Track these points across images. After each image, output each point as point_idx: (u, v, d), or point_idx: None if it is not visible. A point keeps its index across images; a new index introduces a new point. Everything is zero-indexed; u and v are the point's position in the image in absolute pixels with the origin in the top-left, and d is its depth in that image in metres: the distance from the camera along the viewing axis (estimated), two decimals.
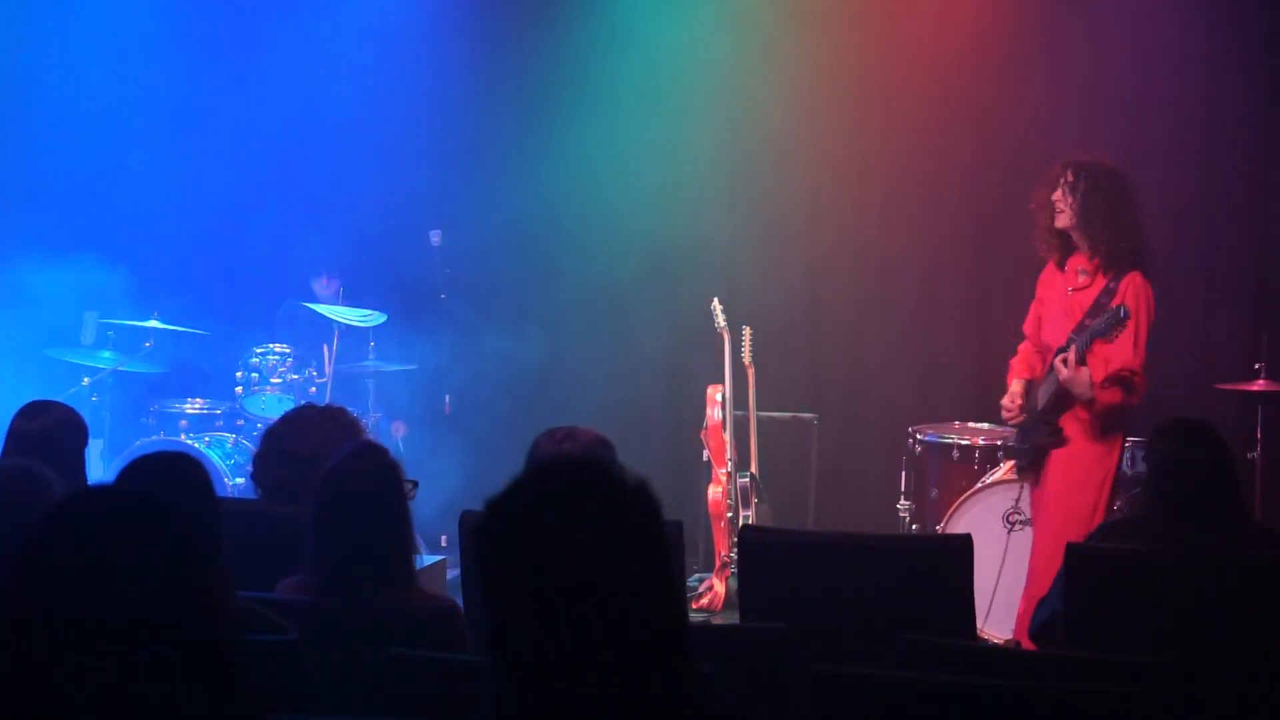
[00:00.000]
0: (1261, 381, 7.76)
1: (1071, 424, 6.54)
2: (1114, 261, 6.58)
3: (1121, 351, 6.43)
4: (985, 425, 8.31)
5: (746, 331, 8.62)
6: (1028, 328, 7.00)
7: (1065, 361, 6.41)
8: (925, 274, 9.32)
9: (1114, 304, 6.44)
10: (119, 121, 9.71)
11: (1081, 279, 6.68)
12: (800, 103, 9.42)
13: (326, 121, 9.71)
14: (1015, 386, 6.88)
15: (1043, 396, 6.69)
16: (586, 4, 9.64)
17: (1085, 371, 6.41)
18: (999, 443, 7.95)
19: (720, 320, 8.59)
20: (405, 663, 3.59)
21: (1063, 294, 6.74)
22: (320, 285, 9.18)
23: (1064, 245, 6.76)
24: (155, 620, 2.15)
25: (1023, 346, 7.03)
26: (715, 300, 8.66)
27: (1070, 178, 6.64)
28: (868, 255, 9.32)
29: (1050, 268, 6.84)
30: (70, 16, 9.66)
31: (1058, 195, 6.66)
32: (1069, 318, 6.65)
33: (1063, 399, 6.57)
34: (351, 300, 8.85)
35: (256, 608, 3.78)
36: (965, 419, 8.48)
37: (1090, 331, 6.39)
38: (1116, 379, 6.47)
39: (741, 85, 9.49)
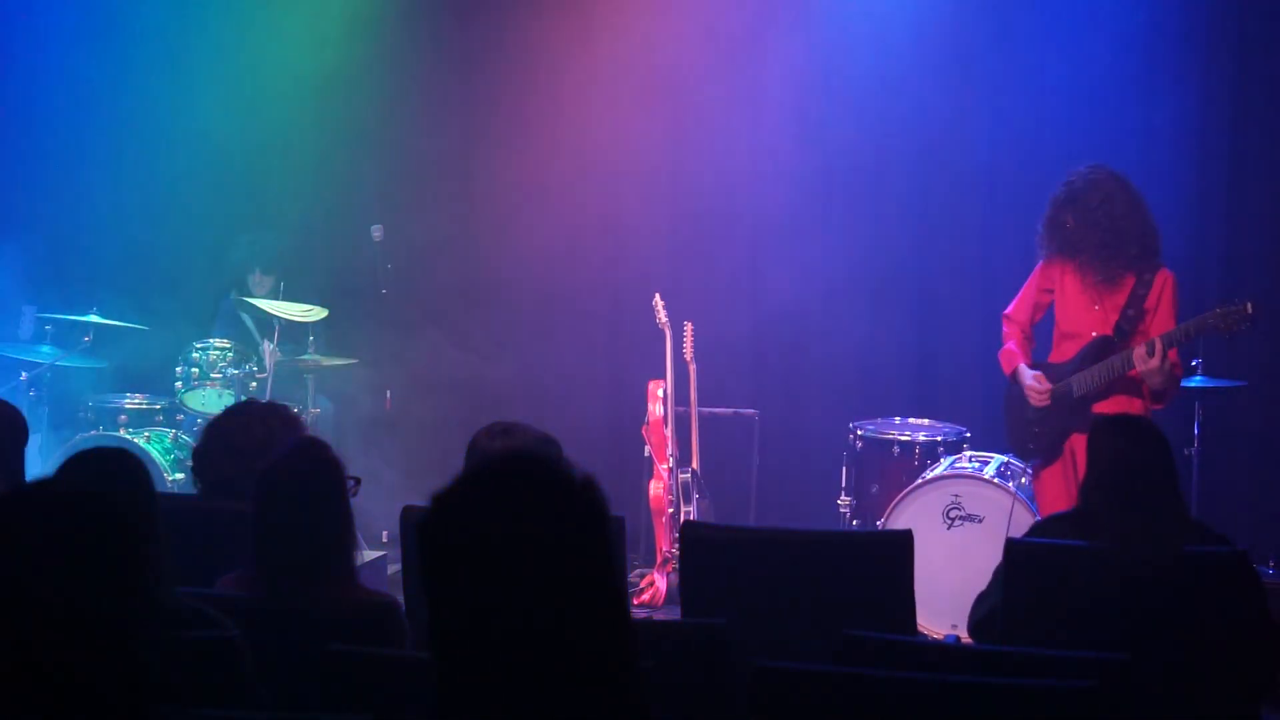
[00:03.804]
0: (1199, 378, 7.82)
1: (1110, 410, 6.71)
2: (1137, 261, 6.93)
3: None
4: (925, 421, 8.38)
5: (688, 327, 8.62)
6: (1017, 314, 7.28)
7: (1151, 350, 6.66)
8: (866, 270, 9.34)
9: (1150, 298, 6.87)
10: (58, 115, 9.64)
11: (1108, 273, 6.96)
12: (742, 99, 9.43)
13: (268, 116, 9.65)
14: (1032, 372, 7.10)
15: (1081, 383, 6.94)
16: (531, 4, 9.61)
17: (1167, 362, 6.72)
18: (939, 439, 8.00)
19: (662, 316, 8.59)
20: (344, 659, 3.58)
21: (1086, 284, 7.02)
22: (255, 280, 9.11)
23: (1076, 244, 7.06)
24: (95, 615, 2.14)
25: (1011, 332, 7.29)
26: (657, 296, 8.66)
27: (1071, 221, 6.98)
28: (809, 252, 9.32)
29: (1060, 260, 7.10)
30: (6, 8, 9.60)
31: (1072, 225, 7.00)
32: (1101, 307, 6.98)
33: (1113, 386, 6.87)
34: (292, 295, 8.79)
35: (196, 604, 3.76)
36: (906, 415, 8.53)
37: (1203, 324, 6.72)
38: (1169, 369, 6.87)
39: (684, 82, 9.49)
